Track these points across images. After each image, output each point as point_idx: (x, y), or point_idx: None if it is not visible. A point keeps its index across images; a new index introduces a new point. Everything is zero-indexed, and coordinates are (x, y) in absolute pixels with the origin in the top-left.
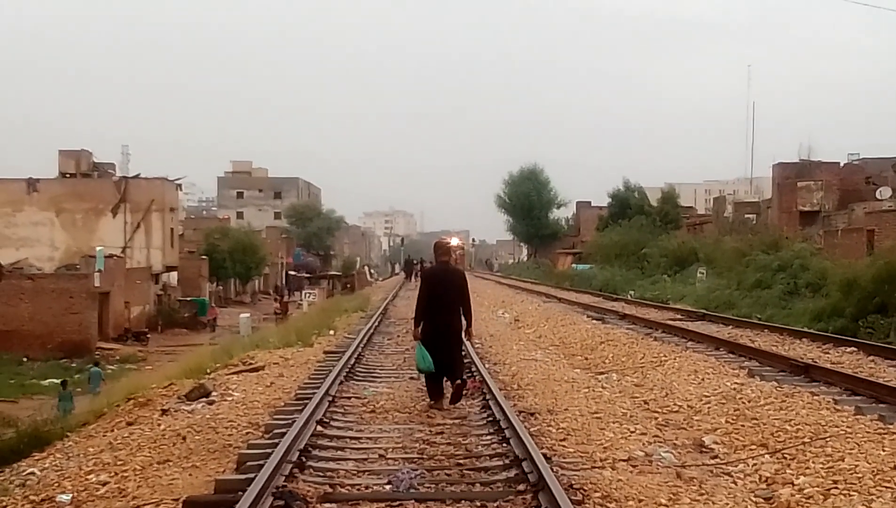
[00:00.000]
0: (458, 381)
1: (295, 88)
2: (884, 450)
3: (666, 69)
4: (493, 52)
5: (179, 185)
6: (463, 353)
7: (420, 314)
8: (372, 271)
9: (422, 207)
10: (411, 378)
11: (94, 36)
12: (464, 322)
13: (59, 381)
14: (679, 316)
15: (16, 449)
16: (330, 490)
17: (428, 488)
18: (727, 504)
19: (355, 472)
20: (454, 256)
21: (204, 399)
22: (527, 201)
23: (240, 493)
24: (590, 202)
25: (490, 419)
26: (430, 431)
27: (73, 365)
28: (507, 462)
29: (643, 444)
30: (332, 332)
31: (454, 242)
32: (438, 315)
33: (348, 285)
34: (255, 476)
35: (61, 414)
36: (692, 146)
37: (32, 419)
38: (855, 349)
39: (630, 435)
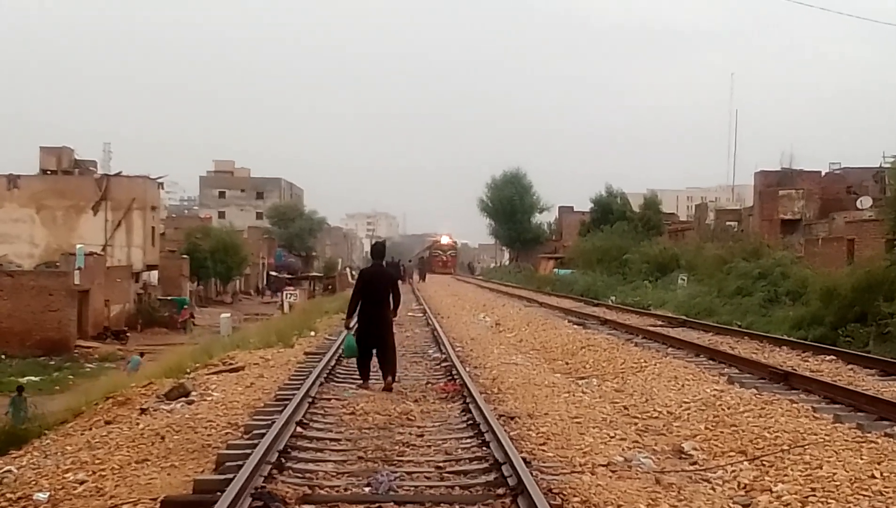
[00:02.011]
0: (390, 378)
1: (279, 89)
2: (861, 458)
3: (650, 77)
4: (477, 58)
5: (161, 183)
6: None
7: (352, 308)
8: (353, 272)
9: (404, 209)
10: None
11: (78, 32)
12: (392, 312)
13: (37, 379)
14: (660, 322)
15: None
16: (309, 491)
17: (407, 490)
18: None
19: (335, 474)
20: (445, 257)
21: (183, 399)
22: (509, 205)
23: (218, 493)
24: (572, 207)
25: (470, 422)
26: (410, 433)
27: (52, 363)
28: (486, 465)
29: (623, 449)
30: (312, 333)
31: (444, 240)
32: (371, 307)
33: (329, 287)
34: (234, 476)
35: (12, 421)
36: (675, 153)
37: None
38: (834, 357)
39: (610, 440)
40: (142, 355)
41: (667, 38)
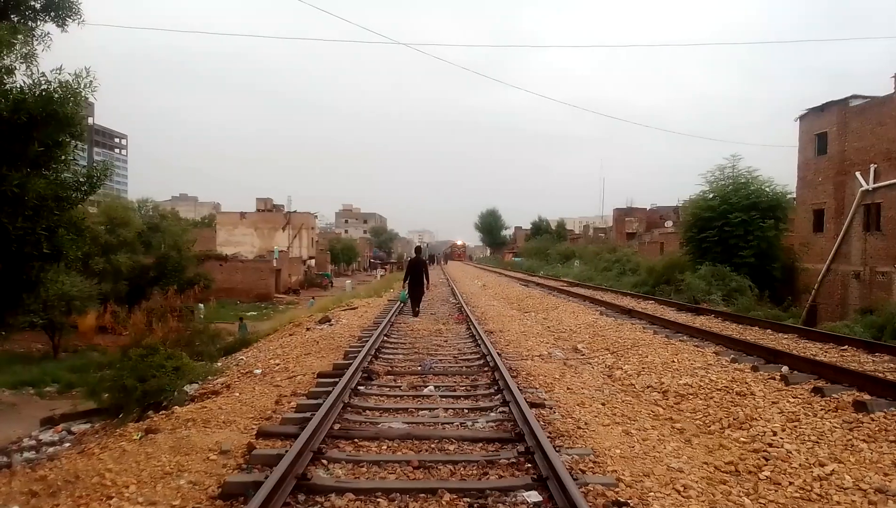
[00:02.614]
0: (417, 309)
1: (380, 163)
2: (667, 352)
3: (559, 160)
4: (470, 147)
5: (315, 216)
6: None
7: (405, 278)
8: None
9: (437, 227)
10: (431, 314)
11: (271, 134)
12: (426, 282)
13: (255, 313)
14: (565, 285)
15: (234, 348)
16: (390, 369)
17: (439, 368)
18: (589, 378)
19: (403, 361)
20: (459, 251)
21: (327, 323)
22: (489, 226)
23: (345, 370)
24: (521, 227)
25: (470, 334)
26: (441, 340)
27: (262, 306)
28: (478, 356)
29: (547, 348)
30: (392, 290)
31: (459, 242)
32: (414, 279)
33: (400, 267)
34: (352, 361)
35: (240, 336)
36: (574, 199)
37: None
38: (653, 302)
39: (540, 344)
40: (313, 298)
41: (565, 140)
